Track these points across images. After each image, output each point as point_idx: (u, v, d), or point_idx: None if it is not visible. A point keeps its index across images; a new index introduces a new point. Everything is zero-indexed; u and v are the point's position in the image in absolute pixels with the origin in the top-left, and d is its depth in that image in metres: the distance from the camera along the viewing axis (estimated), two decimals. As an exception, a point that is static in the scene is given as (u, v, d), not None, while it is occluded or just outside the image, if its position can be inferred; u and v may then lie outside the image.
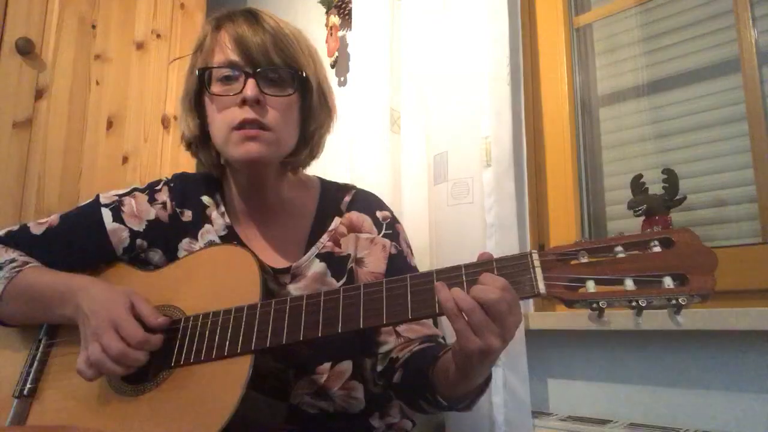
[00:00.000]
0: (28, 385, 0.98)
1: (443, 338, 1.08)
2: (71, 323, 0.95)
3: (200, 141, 1.06)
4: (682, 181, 1.25)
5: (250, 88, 0.96)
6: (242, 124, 0.96)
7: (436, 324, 1.11)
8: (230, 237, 1.07)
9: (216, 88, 0.99)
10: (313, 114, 1.06)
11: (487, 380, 0.91)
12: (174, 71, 2.05)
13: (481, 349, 0.74)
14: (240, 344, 0.86)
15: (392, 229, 1.12)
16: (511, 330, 0.75)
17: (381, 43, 1.63)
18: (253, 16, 1.01)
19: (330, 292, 0.86)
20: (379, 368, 1.05)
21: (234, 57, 0.98)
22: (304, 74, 1.01)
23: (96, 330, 0.88)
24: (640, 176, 1.27)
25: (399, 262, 1.09)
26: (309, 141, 1.07)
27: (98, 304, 0.91)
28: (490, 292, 0.74)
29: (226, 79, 0.99)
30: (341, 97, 1.86)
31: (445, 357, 0.90)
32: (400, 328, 1.04)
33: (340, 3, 1.92)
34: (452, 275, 0.79)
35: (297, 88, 1.01)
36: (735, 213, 1.33)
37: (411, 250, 1.15)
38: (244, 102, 0.96)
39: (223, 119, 0.98)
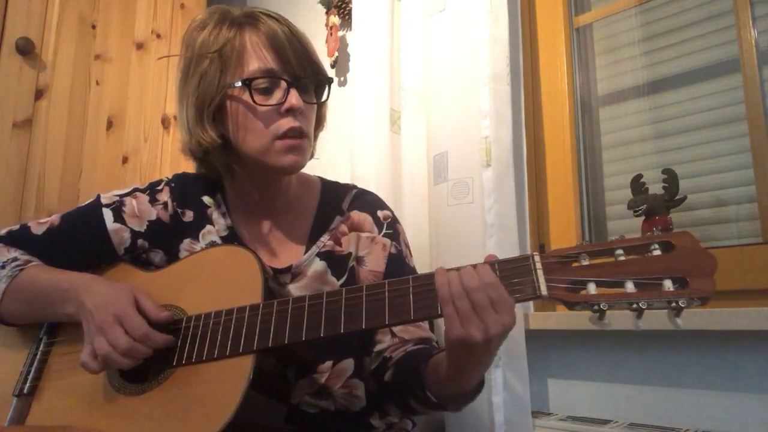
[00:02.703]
0: (29, 384, 0.98)
1: (437, 342, 1.08)
2: (74, 321, 0.95)
3: (219, 148, 1.01)
4: (682, 181, 1.25)
5: (296, 98, 0.97)
6: (286, 134, 0.98)
7: (432, 328, 1.11)
8: (232, 237, 1.08)
9: (256, 97, 0.98)
10: (323, 117, 1.11)
11: (479, 386, 0.91)
12: (174, 70, 2.04)
13: (462, 338, 0.75)
14: (242, 344, 0.87)
15: (393, 228, 1.12)
16: (495, 326, 0.75)
17: (381, 43, 1.63)
18: (276, 20, 1.01)
19: (332, 293, 0.86)
20: (372, 367, 1.05)
21: (273, 65, 0.98)
22: (330, 83, 1.04)
23: (101, 325, 0.88)
24: (640, 176, 1.27)
25: (398, 262, 1.10)
26: (314, 142, 1.10)
27: (101, 300, 0.91)
28: (473, 280, 0.76)
29: (266, 88, 0.98)
30: (341, 97, 1.87)
31: (438, 354, 0.92)
32: (396, 329, 1.05)
33: (340, 3, 1.92)
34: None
35: (326, 95, 1.05)
36: (735, 213, 1.33)
37: (410, 251, 1.16)
38: (287, 111, 0.97)
39: (265, 129, 0.98)
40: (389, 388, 1.01)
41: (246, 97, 0.98)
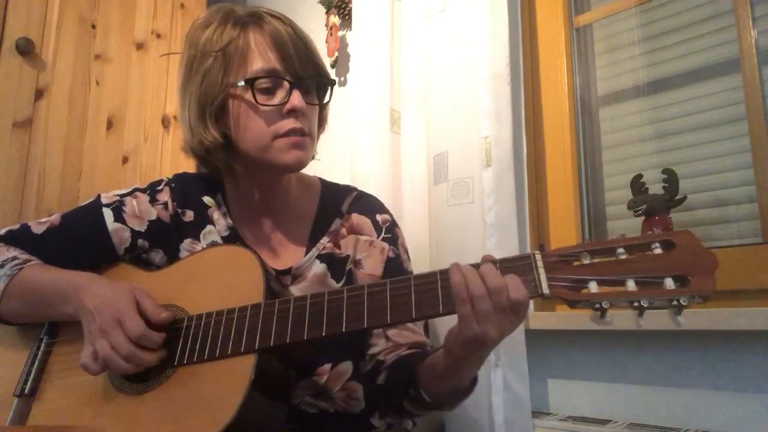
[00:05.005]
0: (29, 384, 0.98)
1: (431, 347, 1.07)
2: (73, 320, 0.95)
3: (220, 147, 1.01)
4: (682, 181, 1.25)
5: (298, 99, 0.98)
6: (287, 134, 0.98)
7: (427, 333, 1.11)
8: (232, 238, 1.07)
9: (259, 97, 0.98)
10: (325, 118, 1.11)
11: (473, 383, 0.91)
12: (174, 70, 2.05)
13: (477, 337, 0.75)
14: (243, 344, 0.86)
15: (391, 233, 1.12)
16: (511, 327, 0.76)
17: (381, 43, 1.63)
18: (280, 20, 1.01)
19: (334, 292, 0.86)
20: (366, 370, 1.05)
21: (276, 65, 0.98)
22: (333, 84, 1.05)
23: (102, 326, 0.88)
24: (640, 176, 1.27)
25: (395, 267, 1.09)
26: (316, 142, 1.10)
27: (102, 301, 0.91)
28: (497, 281, 0.75)
29: (268, 88, 0.98)
30: (341, 97, 1.87)
31: (434, 354, 0.91)
32: (390, 333, 1.04)
33: (340, 3, 1.92)
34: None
35: (328, 97, 1.06)
36: (735, 213, 1.33)
37: (408, 256, 1.15)
38: (289, 112, 0.98)
39: (267, 128, 0.98)
40: (382, 392, 1.01)
41: (248, 96, 0.98)
